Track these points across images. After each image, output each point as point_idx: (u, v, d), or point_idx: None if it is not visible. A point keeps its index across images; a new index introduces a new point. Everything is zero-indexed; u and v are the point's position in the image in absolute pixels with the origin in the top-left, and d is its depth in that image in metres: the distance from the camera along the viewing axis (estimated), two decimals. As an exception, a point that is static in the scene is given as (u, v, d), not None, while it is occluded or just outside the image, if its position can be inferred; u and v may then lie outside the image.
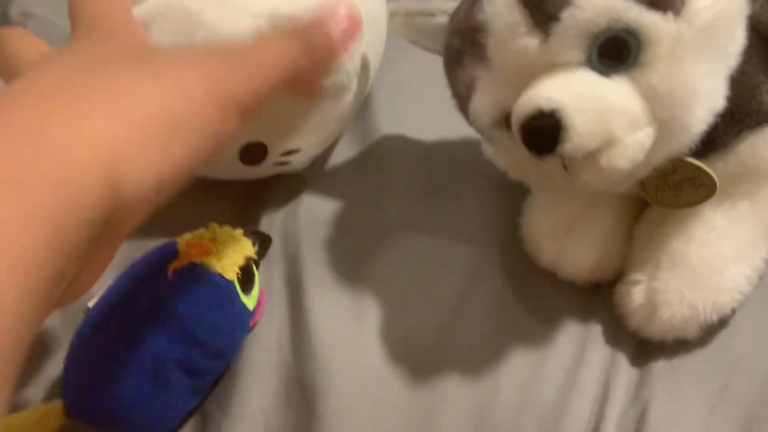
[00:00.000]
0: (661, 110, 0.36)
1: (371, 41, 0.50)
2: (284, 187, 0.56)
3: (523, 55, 0.36)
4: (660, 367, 0.46)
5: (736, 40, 0.37)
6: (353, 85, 0.48)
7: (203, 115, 0.27)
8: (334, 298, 0.51)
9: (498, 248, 0.52)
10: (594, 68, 0.35)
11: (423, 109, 0.59)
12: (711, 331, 0.46)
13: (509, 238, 0.52)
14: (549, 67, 0.36)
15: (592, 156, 0.36)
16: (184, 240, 0.45)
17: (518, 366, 0.47)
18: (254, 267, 0.48)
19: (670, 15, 0.34)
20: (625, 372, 0.46)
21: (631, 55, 0.35)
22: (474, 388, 0.46)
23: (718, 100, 0.37)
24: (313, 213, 0.55)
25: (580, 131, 0.34)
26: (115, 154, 0.24)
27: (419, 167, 0.57)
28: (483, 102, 0.39)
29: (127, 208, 0.24)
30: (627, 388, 0.45)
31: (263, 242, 0.50)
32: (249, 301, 0.46)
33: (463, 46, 0.39)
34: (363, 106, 0.58)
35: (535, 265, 0.50)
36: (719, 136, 0.40)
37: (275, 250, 0.53)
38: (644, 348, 0.47)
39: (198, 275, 0.43)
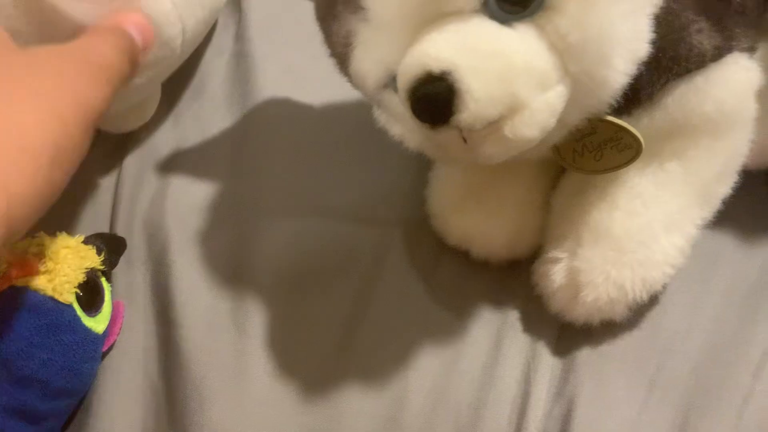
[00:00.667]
0: (573, 63, 0.30)
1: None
2: (147, 172, 0.48)
3: (406, 4, 0.30)
4: (585, 355, 0.41)
5: None
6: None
7: (77, 140, 0.28)
8: (209, 305, 0.43)
9: (403, 228, 0.45)
10: (492, 16, 0.30)
11: (309, 69, 0.50)
12: (640, 311, 0.41)
13: (415, 215, 0.45)
14: (438, 15, 0.30)
15: (494, 125, 0.30)
16: (2, 257, 0.36)
17: (428, 368, 0.41)
18: (102, 280, 0.40)
19: None
20: (547, 364, 0.41)
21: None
22: (378, 399, 0.40)
23: (641, 46, 0.32)
24: (182, 201, 0.47)
25: (478, 97, 0.29)
26: (8, 184, 0.25)
27: (306, 137, 0.50)
28: (364, 62, 0.32)
29: (12, 230, 0.26)
30: (550, 384, 0.40)
31: (113, 247, 0.42)
32: (97, 324, 0.39)
33: None
34: (240, 67, 0.51)
35: (445, 246, 0.44)
36: (644, 89, 0.35)
37: (137, 252, 0.45)
38: (567, 335, 0.42)
39: (23, 302, 0.35)
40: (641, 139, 0.36)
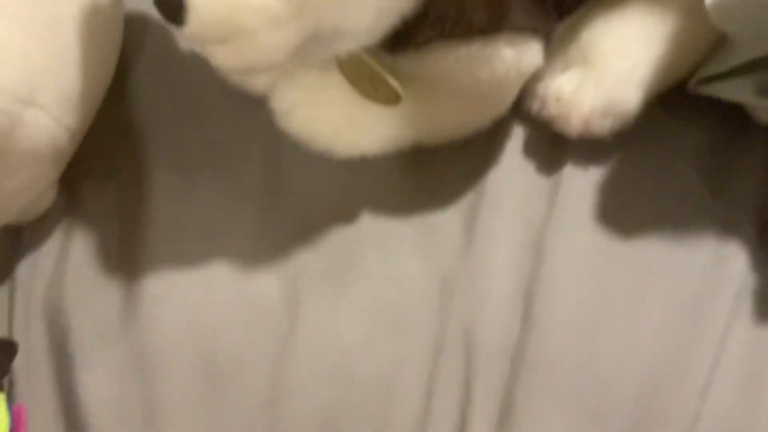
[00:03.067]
0: (309, 10, 0.32)
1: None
2: (42, 256, 0.45)
3: None
4: (522, 392, 0.39)
5: None
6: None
7: None
8: (117, 397, 0.40)
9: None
10: None
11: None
12: (577, 337, 0.39)
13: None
14: None
15: (220, 44, 0.32)
16: None
17: None
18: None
19: None
20: (483, 406, 0.39)
21: None
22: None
23: (402, 3, 0.34)
24: (82, 281, 0.43)
25: (202, 17, 0.31)
26: None
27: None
28: None
29: None
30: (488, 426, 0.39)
31: (3, 352, 0.39)
32: None
33: None
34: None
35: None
36: (411, 37, 0.36)
37: (37, 343, 0.42)
38: (503, 368, 0.40)
39: None
40: (397, 88, 0.38)
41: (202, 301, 0.41)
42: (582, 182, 0.43)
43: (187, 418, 0.39)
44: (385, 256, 0.42)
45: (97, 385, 0.40)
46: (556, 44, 0.41)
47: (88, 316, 0.42)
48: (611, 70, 0.40)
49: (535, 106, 0.42)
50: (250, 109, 0.43)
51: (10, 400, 0.40)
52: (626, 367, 0.39)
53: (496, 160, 0.44)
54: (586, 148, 0.42)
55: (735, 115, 0.42)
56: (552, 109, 0.41)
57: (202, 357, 0.40)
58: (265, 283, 0.42)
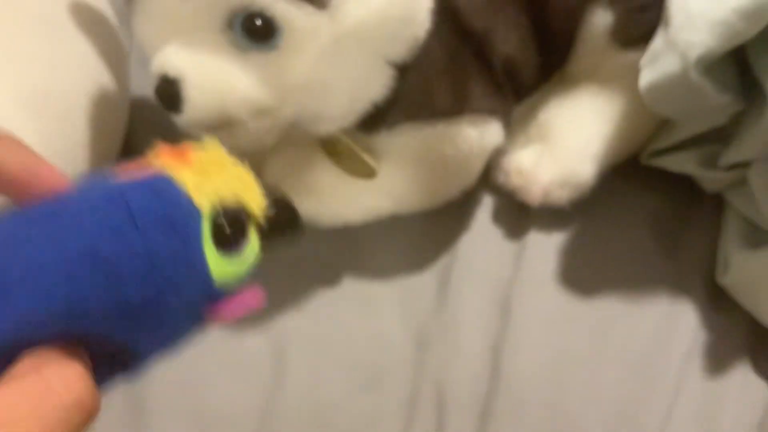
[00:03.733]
0: (291, 100, 0.36)
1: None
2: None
3: (166, 6, 0.34)
4: None
5: (404, 39, 0.37)
6: None
7: None
8: None
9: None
10: (236, 39, 0.34)
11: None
12: (538, 392, 0.42)
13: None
14: (192, 27, 0.34)
15: (213, 130, 0.36)
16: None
17: None
18: (253, 231, 0.30)
19: (310, 8, 0.33)
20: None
21: (273, 38, 0.34)
22: None
23: (373, 91, 0.38)
24: None
25: (195, 106, 0.34)
26: None
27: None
28: (138, 29, 0.37)
29: None
30: None
31: (284, 214, 0.31)
32: (221, 266, 0.27)
33: None
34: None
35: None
36: (382, 118, 0.40)
37: None
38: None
39: (148, 183, 0.27)
40: (373, 165, 0.42)
41: (194, 360, 0.44)
42: (545, 246, 0.46)
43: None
44: (365, 315, 0.45)
45: None
46: (516, 123, 0.46)
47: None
48: (566, 145, 0.44)
49: (500, 178, 0.46)
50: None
51: None
52: (587, 419, 0.41)
53: (467, 227, 0.47)
54: (548, 215, 0.46)
55: (685, 184, 0.46)
56: (514, 181, 0.45)
57: (194, 411, 0.43)
58: (253, 343, 0.45)
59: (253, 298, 0.29)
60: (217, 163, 0.29)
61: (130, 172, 0.27)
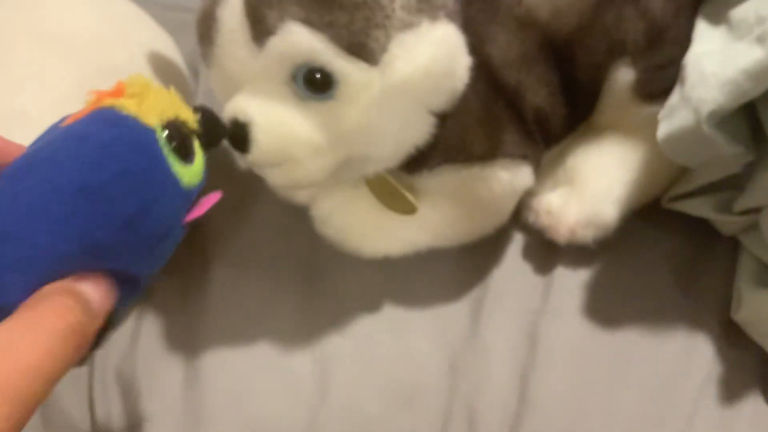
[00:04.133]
0: (344, 143, 0.40)
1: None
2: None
3: (238, 61, 0.39)
4: None
5: (445, 91, 0.40)
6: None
7: (31, 404, 0.26)
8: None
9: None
10: (298, 89, 0.38)
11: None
12: (559, 417, 0.45)
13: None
14: (260, 79, 0.39)
15: (274, 168, 0.40)
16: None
17: None
18: (195, 140, 0.36)
19: (364, 65, 0.37)
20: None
21: (331, 89, 0.38)
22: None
23: (417, 136, 0.42)
24: (149, 338, 0.51)
25: (261, 147, 0.39)
26: None
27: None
28: (211, 78, 0.43)
29: None
30: None
31: (210, 124, 0.38)
32: (185, 173, 0.33)
33: (206, 25, 0.40)
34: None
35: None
36: (423, 161, 0.44)
37: (113, 408, 0.49)
38: None
39: (100, 119, 0.31)
40: (413, 201, 0.47)
41: (248, 375, 0.49)
42: (571, 281, 0.50)
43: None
44: (403, 340, 0.49)
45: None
46: (546, 168, 0.50)
47: (155, 384, 0.49)
48: (591, 189, 0.48)
49: (530, 218, 0.50)
50: (294, 216, 0.51)
51: None
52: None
53: (499, 261, 0.51)
54: (575, 252, 0.50)
55: (702, 226, 0.50)
56: (543, 220, 0.49)
57: (245, 423, 0.47)
58: (300, 361, 0.49)
59: (212, 198, 0.36)
60: (148, 89, 0.34)
61: (77, 116, 0.31)
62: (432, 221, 0.48)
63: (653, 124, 0.44)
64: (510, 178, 0.45)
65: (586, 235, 0.48)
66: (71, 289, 0.30)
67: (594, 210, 0.47)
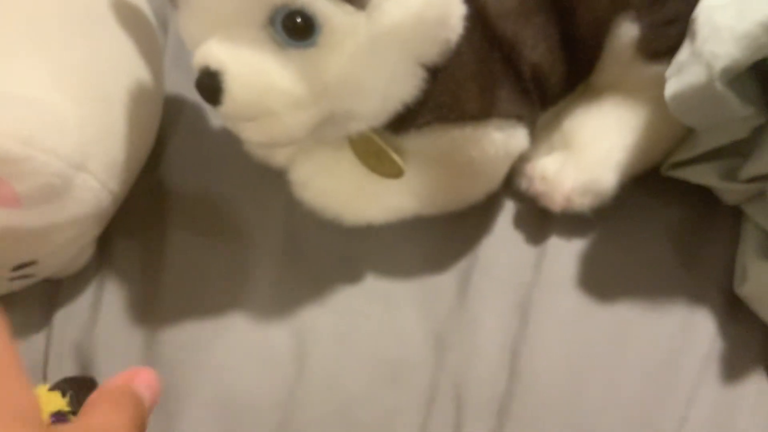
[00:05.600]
0: (326, 96, 0.37)
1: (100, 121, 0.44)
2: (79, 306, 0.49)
3: (209, 1, 0.36)
4: None
5: (437, 41, 0.38)
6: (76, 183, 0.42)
7: None
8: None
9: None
10: (276, 34, 0.35)
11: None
12: (558, 393, 0.43)
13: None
14: (233, 23, 0.35)
15: (249, 122, 0.37)
16: None
17: None
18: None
19: (350, 8, 0.34)
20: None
21: (312, 35, 0.35)
22: None
23: (405, 91, 0.39)
24: (110, 309, 0.47)
25: (235, 98, 0.36)
26: None
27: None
28: (180, 23, 0.38)
29: None
30: None
31: (81, 387, 0.41)
32: None
33: None
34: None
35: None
36: (411, 119, 0.41)
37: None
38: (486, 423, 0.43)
39: None
40: (400, 163, 0.43)
41: (218, 349, 0.46)
42: (565, 252, 0.47)
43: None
44: (386, 313, 0.46)
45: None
46: (542, 131, 0.47)
47: (116, 358, 0.45)
48: (589, 154, 0.45)
49: (523, 184, 0.47)
50: (271, 180, 0.48)
51: None
52: (604, 422, 0.42)
53: (489, 231, 0.48)
54: (569, 222, 0.47)
55: (704, 195, 0.47)
56: (538, 187, 0.46)
57: (220, 399, 0.44)
58: (277, 335, 0.46)
59: None
60: None
61: None
62: (419, 186, 0.45)
63: (657, 84, 0.41)
64: (504, 139, 0.42)
65: (583, 202, 0.45)
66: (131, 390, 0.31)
67: (592, 176, 0.44)
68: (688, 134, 0.45)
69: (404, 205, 0.46)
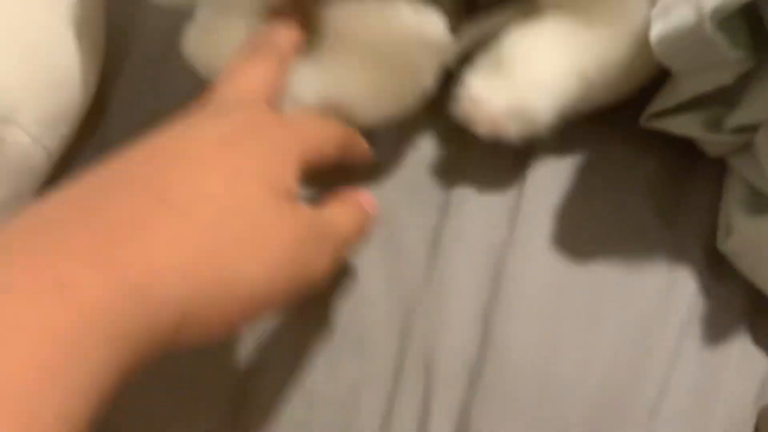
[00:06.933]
0: None
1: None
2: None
3: None
4: (475, 417, 0.40)
5: None
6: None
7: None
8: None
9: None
10: None
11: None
12: (531, 357, 0.41)
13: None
14: None
15: None
16: None
17: None
18: None
19: None
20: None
21: None
22: None
23: None
24: None
25: None
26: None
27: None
28: None
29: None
30: None
31: None
32: None
33: None
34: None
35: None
36: None
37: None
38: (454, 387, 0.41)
39: None
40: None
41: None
42: (541, 209, 0.44)
43: None
44: (348, 277, 0.43)
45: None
46: (476, 50, 0.43)
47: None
48: (523, 74, 0.40)
49: (454, 107, 0.42)
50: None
51: None
52: (581, 388, 0.40)
53: (458, 187, 0.45)
54: (543, 177, 0.44)
55: (687, 147, 0.44)
56: (464, 107, 0.41)
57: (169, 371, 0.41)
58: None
59: None
60: None
61: None
62: (336, 71, 0.40)
63: (614, 7, 0.38)
64: (416, 20, 0.38)
65: (510, 129, 0.41)
66: None
67: (524, 100, 0.40)
68: (668, 81, 0.42)
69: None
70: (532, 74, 0.40)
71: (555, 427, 0.39)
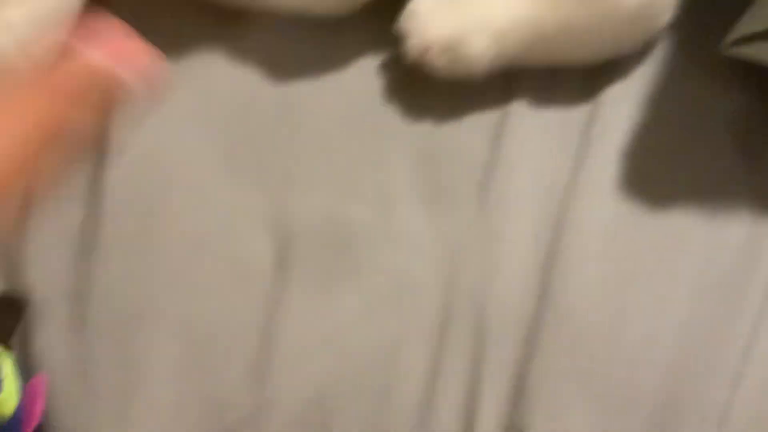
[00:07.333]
0: None
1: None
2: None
3: None
4: (537, 376, 0.35)
5: None
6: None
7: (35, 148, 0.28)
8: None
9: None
10: None
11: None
12: (598, 318, 0.36)
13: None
14: None
15: None
16: None
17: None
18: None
19: None
20: (494, 389, 0.36)
21: None
22: None
23: None
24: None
25: None
26: None
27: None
28: None
29: None
30: (497, 415, 0.36)
31: (7, 309, 0.36)
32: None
33: None
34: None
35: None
36: None
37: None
38: (517, 342, 0.36)
39: None
40: None
41: (189, 263, 0.38)
42: (609, 148, 0.39)
43: (164, 387, 0.36)
44: (386, 214, 0.38)
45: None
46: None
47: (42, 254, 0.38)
48: (471, 12, 0.38)
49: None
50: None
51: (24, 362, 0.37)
52: (652, 353, 0.36)
53: (514, 118, 0.40)
54: (615, 111, 0.39)
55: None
56: (404, 24, 0.38)
57: (183, 322, 0.37)
58: (256, 242, 0.38)
59: (37, 389, 0.34)
60: None
61: None
62: None
63: None
64: None
65: (439, 60, 0.38)
66: None
67: (461, 35, 0.37)
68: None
69: None
70: (481, 12, 0.37)
71: (625, 392, 0.35)
